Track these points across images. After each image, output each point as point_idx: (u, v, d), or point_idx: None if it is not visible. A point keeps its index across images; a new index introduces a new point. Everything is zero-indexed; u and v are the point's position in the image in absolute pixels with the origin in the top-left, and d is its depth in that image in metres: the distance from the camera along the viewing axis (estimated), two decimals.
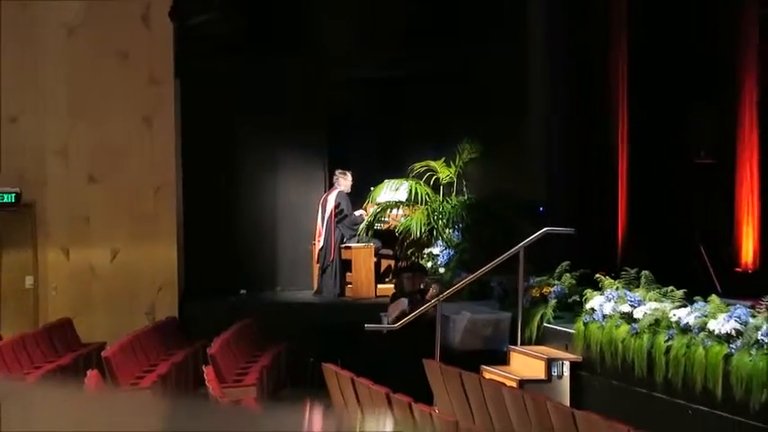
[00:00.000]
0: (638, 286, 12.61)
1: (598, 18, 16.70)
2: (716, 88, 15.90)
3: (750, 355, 10.34)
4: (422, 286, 15.53)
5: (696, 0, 16.55)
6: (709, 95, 16.07)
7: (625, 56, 16.26)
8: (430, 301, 14.88)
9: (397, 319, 14.76)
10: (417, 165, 17.65)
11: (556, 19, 16.77)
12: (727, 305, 11.15)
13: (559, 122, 16.61)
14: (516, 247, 14.07)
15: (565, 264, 14.11)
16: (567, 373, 12.90)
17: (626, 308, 12.29)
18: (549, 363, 12.97)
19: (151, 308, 17.54)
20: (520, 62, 16.65)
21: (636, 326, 11.96)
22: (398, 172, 17.96)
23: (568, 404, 12.02)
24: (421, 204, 17.22)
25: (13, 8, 17.66)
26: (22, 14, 17.57)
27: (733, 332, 10.65)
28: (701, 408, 10.95)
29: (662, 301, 12.00)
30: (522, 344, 13.97)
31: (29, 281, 17.77)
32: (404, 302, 15.06)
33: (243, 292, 18.30)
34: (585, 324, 12.83)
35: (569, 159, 16.53)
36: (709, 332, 10.91)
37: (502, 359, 13.92)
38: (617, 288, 12.76)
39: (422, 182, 17.49)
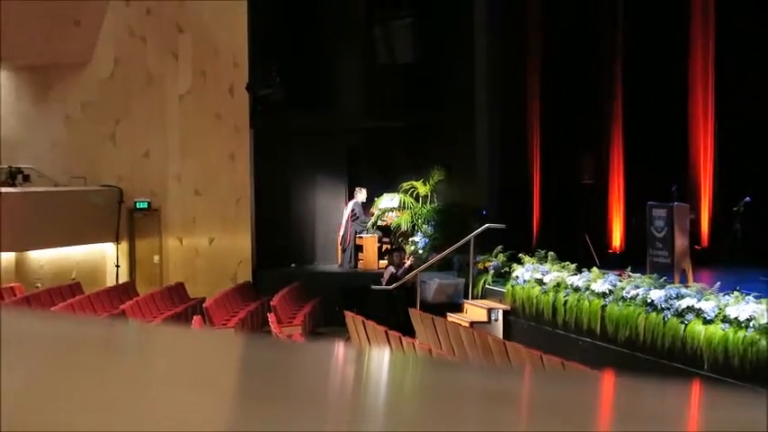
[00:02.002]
0: (546, 262, 13.74)
1: (518, 82, 17.34)
2: (595, 133, 17.01)
3: (618, 305, 11.54)
4: (403, 259, 16.32)
5: (580, 66, 17.15)
6: (591, 138, 17.10)
7: (537, 113, 17.27)
8: (407, 267, 15.97)
9: (388, 281, 15.68)
10: (405, 184, 18.23)
11: (495, 100, 17.20)
12: (603, 274, 12.35)
13: (494, 158, 17.23)
14: (468, 237, 15.12)
15: (499, 247, 15.08)
16: (500, 317, 13.92)
17: (538, 275, 13.38)
18: (489, 311, 14.06)
19: (234, 276, 18.22)
20: (469, 121, 17.12)
21: (545, 287, 13.12)
22: (393, 188, 18.59)
23: (501, 337, 12.86)
24: (407, 209, 18.10)
25: (146, 83, 18.54)
26: (152, 87, 18.51)
27: (607, 291, 11.86)
28: (587, 339, 12.07)
29: (561, 272, 13.13)
30: (472, 299, 14.95)
31: (155, 258, 18.80)
32: (390, 269, 15.97)
33: (293, 265, 18.70)
34: (512, 286, 13.94)
35: (502, 180, 17.17)
36: (592, 291, 12.12)
37: (459, 309, 14.79)
38: (533, 263, 13.90)
39: (408, 195, 18.17)
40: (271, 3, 18.15)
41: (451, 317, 13.92)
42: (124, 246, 18.76)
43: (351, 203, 18.52)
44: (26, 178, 17.72)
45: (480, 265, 15.27)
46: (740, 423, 0.75)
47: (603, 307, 11.83)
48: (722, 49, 16.62)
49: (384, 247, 18.23)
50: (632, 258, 13.75)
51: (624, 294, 11.59)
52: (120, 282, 18.23)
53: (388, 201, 18.58)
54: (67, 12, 18.08)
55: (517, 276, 13.92)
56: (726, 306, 9.98)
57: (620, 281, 11.95)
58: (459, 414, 0.88)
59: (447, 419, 0.86)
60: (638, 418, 0.83)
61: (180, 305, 16.47)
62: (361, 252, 18.42)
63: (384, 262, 17.38)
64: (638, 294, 11.33)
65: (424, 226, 17.89)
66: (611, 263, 14.06)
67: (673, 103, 16.84)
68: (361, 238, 18.47)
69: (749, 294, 10.09)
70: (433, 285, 15.38)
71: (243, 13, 17.95)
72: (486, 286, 14.99)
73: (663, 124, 17.01)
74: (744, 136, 16.38)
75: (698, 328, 10.19)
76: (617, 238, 17.00)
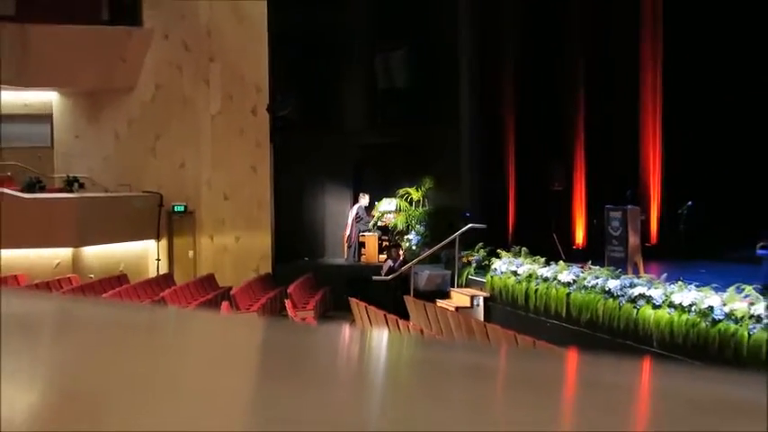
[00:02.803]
0: (520, 256, 13.66)
1: (495, 103, 17.07)
2: (562, 145, 17.01)
3: (580, 293, 11.53)
4: (399, 254, 16.24)
5: (548, 88, 17.07)
6: (559, 150, 16.97)
7: (512, 129, 17.00)
8: (402, 261, 15.93)
9: (387, 272, 15.61)
10: (401, 190, 18.15)
11: (476, 118, 17.15)
12: (568, 266, 12.34)
13: (476, 168, 17.09)
14: (453, 235, 14.98)
15: (480, 244, 15.04)
16: (481, 303, 13.84)
17: (513, 268, 13.28)
18: (472, 298, 13.98)
19: (256, 268, 17.91)
20: (454, 137, 17.17)
21: (519, 277, 13.03)
22: (390, 194, 18.40)
23: (482, 320, 12.83)
24: (403, 212, 17.99)
25: (182, 105, 18.36)
26: (187, 109, 18.29)
27: (571, 281, 11.83)
28: (554, 322, 11.99)
29: (533, 265, 13.03)
30: (457, 287, 14.85)
31: (190, 253, 18.55)
32: (389, 262, 15.99)
33: (306, 259, 18.56)
34: (491, 277, 13.81)
35: (482, 186, 16.97)
36: (558, 281, 12.07)
37: (446, 296, 14.74)
38: (509, 257, 13.84)
39: (403, 199, 18.05)
40: (288, 37, 18.02)
41: (440, 303, 13.86)
42: (164, 243, 18.59)
43: (355, 207, 18.41)
44: (81, 186, 17.73)
45: (464, 259, 15.21)
46: (684, 392, 0.75)
47: (568, 294, 11.82)
48: (668, 73, 16.79)
49: (383, 243, 18.10)
50: (592, 253, 13.76)
51: (586, 283, 11.59)
52: (160, 273, 18.20)
53: (386, 204, 18.51)
54: (116, 51, 18.25)
55: (495, 268, 13.84)
56: (671, 293, 10.04)
57: (583, 272, 11.94)
58: (446, 384, 0.88)
59: (436, 389, 0.86)
60: (598, 388, 0.83)
61: (211, 293, 16.35)
62: (364, 248, 18.32)
63: (383, 256, 17.35)
64: (597, 284, 11.37)
65: (417, 226, 17.88)
66: (575, 257, 14.02)
67: (627, 119, 17.04)
68: (363, 236, 18.33)
69: (691, 284, 10.14)
70: (424, 276, 15.31)
71: (264, 45, 18.04)
72: (469, 277, 14.95)
73: (619, 137, 17.15)
74: (687, 148, 16.53)
75: (648, 312, 10.23)
76: (580, 236, 17.20)
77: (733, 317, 9.07)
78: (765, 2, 15.25)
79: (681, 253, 14.62)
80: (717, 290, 9.64)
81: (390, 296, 14.69)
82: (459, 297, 14.41)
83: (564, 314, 11.83)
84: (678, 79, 16.61)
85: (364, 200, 18.46)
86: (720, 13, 15.72)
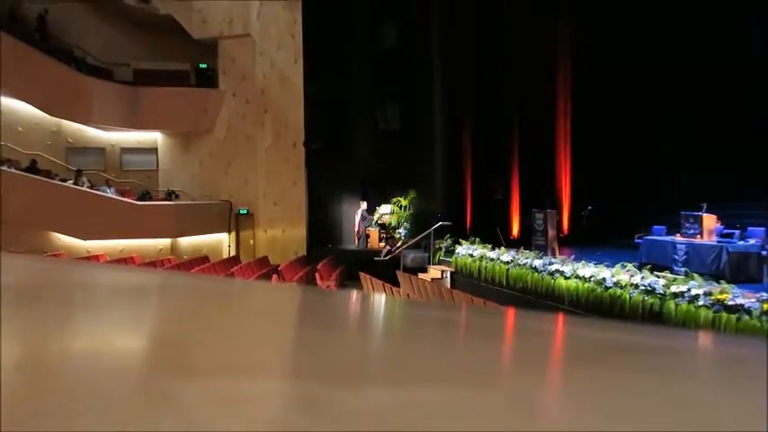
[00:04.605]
0: (475, 244, 13.36)
1: (458, 140, 16.92)
2: (503, 167, 16.93)
3: (516, 268, 11.38)
4: (393, 243, 16.48)
5: (492, 124, 16.79)
6: (501, 173, 16.98)
7: (470, 157, 17.01)
8: (395, 247, 16.07)
9: (384, 255, 15.83)
10: (394, 199, 17.92)
11: (445, 150, 17.00)
12: (507, 250, 12.24)
13: (444, 184, 17.04)
14: (429, 230, 15.05)
15: (447, 235, 14.88)
16: (448, 276, 13.61)
17: (470, 251, 13.13)
18: (442, 272, 13.79)
19: (296, 252, 17.73)
20: (430, 163, 17.06)
21: (474, 258, 12.87)
22: (387, 201, 18.07)
23: (449, 287, 12.66)
24: (395, 213, 17.80)
25: (245, 141, 17.99)
26: (249, 143, 17.96)
27: (510, 260, 11.70)
28: (498, 288, 11.76)
29: (483, 249, 12.85)
30: (432, 265, 14.67)
31: (251, 242, 18.34)
32: (386, 248, 16.20)
33: (329, 245, 18.11)
34: (455, 258, 13.61)
35: (449, 197, 16.88)
36: (501, 260, 11.94)
37: (425, 271, 14.53)
38: (467, 245, 13.54)
39: (395, 205, 17.85)
40: (317, 95, 17.80)
41: (421, 276, 13.62)
42: (233, 235, 18.39)
43: (360, 210, 18.11)
44: (177, 196, 17.78)
45: (437, 246, 15.07)
46: (587, 336, 0.75)
47: (507, 270, 11.71)
48: (576, 120, 16.86)
49: (382, 235, 17.84)
50: (524, 242, 13.79)
51: (519, 262, 11.52)
52: (231, 255, 17.92)
53: (384, 209, 18.18)
54: (200, 105, 18.16)
55: (458, 252, 13.66)
56: (577, 269, 10.08)
57: (517, 255, 11.83)
58: (424, 331, 0.87)
59: (416, 334, 0.86)
60: (528, 332, 0.83)
61: (265, 269, 15.77)
62: (369, 238, 18.01)
63: (382, 244, 17.31)
64: (527, 262, 11.29)
65: (405, 223, 17.66)
66: (513, 244, 13.95)
67: (547, 150, 17.08)
68: (368, 230, 18.05)
69: (591, 262, 10.12)
70: (409, 257, 15.20)
71: (301, 101, 17.90)
72: (440, 258, 14.78)
73: (541, 163, 17.06)
74: (588, 170, 16.42)
75: (561, 281, 10.20)
76: (515, 230, 17.06)
77: (619, 285, 9.08)
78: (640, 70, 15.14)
79: (583, 241, 14.60)
80: (608, 266, 9.62)
81: (387, 271, 14.45)
82: (434, 272, 14.27)
83: (504, 283, 11.73)
84: (582, 125, 16.65)
85: (363, 205, 18.13)
86: (611, 77, 15.68)
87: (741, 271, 9.36)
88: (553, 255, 11.82)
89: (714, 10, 12.91)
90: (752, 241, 10.10)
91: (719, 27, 12.94)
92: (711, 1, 13.03)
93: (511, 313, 0.93)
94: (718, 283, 7.87)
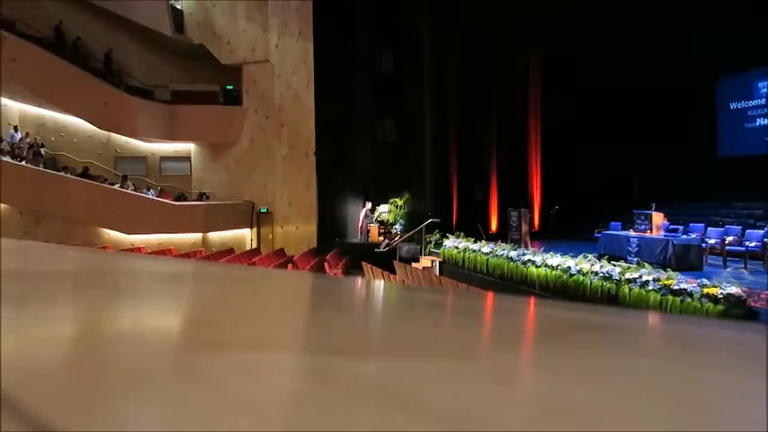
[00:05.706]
0: (460, 238, 13.13)
1: (445, 149, 16.72)
2: (482, 171, 16.86)
3: (494, 258, 11.15)
4: (391, 237, 16.29)
5: (476, 136, 16.59)
6: (482, 177, 16.84)
7: (455, 163, 16.96)
8: (392, 240, 15.78)
9: (383, 247, 15.63)
10: (391, 199, 17.51)
11: (434, 158, 16.66)
12: (487, 243, 11.96)
13: (434, 186, 16.94)
14: (421, 225, 14.86)
15: (437, 230, 14.69)
16: (437, 265, 13.31)
17: (456, 244, 12.82)
18: (432, 261, 13.50)
19: (308, 244, 17.45)
20: (421, 168, 16.74)
21: (459, 249, 12.54)
22: (386, 201, 17.65)
23: (438, 275, 12.29)
24: (392, 212, 17.50)
25: (265, 151, 17.69)
26: (268, 153, 17.81)
27: (489, 251, 11.47)
28: (479, 275, 11.48)
29: (467, 242, 12.58)
30: (424, 256, 14.48)
31: (270, 236, 17.86)
32: (385, 241, 16.00)
33: (337, 239, 17.74)
34: (443, 249, 13.34)
35: (438, 198, 16.83)
36: (481, 252, 11.68)
37: (417, 261, 14.30)
38: (453, 238, 13.33)
39: (392, 205, 17.50)
40: (326, 112, 17.57)
41: (414, 265, 13.33)
42: (255, 230, 18.26)
43: (363, 209, 17.85)
44: (207, 197, 17.64)
45: (427, 239, 14.92)
46: (557, 315, 0.75)
47: (487, 260, 11.55)
48: (545, 133, 17.08)
49: (381, 230, 17.58)
50: (502, 236, 13.85)
51: (497, 253, 11.37)
52: (253, 248, 17.82)
53: (383, 208, 17.91)
54: (227, 121, 18.00)
55: (446, 245, 13.45)
56: (546, 259, 9.96)
57: (496, 247, 11.73)
58: (416, 312, 0.87)
59: (410, 315, 0.85)
60: (504, 312, 0.83)
61: (282, 259, 15.64)
62: (370, 233, 17.72)
63: (381, 238, 17.00)
64: (504, 253, 11.15)
65: (400, 220, 17.39)
66: (492, 238, 13.86)
67: (521, 158, 17.11)
68: (370, 226, 17.73)
69: (558, 254, 10.00)
70: (404, 249, 15.14)
71: (312, 117, 17.61)
72: (431, 249, 14.58)
73: (516, 169, 17.07)
74: (556, 175, 16.51)
75: (533, 269, 10.05)
76: (494, 226, 17.08)
77: (581, 272, 8.97)
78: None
79: (552, 236, 14.70)
80: (572, 257, 9.47)
81: (385, 261, 14.29)
82: (425, 261, 14.12)
83: (485, 271, 11.55)
84: (550, 138, 16.79)
85: (368, 205, 17.85)
86: (574, 100, 15.74)
87: (684, 261, 9.49)
88: (526, 247, 11.79)
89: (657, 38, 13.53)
90: (693, 235, 10.29)
91: (665, 54, 13.55)
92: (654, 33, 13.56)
93: (490, 296, 0.93)
94: (665, 270, 7.91)
